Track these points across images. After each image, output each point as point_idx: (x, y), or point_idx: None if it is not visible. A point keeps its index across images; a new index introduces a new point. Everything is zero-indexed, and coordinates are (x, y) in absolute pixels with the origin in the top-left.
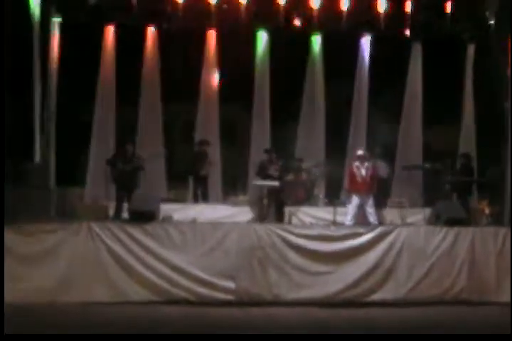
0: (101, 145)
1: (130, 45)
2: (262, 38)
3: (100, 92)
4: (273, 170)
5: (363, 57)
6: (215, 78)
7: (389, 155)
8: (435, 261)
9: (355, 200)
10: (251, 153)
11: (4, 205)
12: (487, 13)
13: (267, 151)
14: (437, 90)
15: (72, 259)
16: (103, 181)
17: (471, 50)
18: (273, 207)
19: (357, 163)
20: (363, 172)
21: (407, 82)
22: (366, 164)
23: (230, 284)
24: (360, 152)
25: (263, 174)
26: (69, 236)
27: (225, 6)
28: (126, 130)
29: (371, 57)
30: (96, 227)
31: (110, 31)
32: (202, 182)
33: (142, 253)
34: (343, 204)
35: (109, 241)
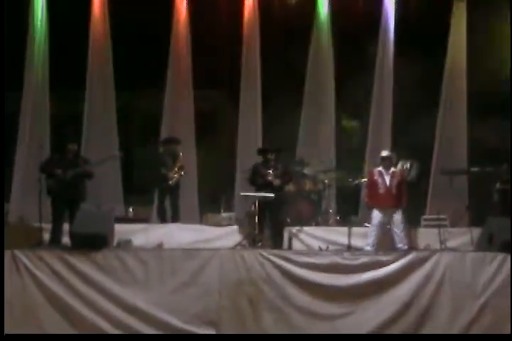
0: (31, 145)
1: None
2: None
3: (28, 73)
4: (272, 177)
5: (386, 21)
6: (187, 54)
7: (422, 155)
8: (488, 300)
9: (377, 217)
10: (237, 154)
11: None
12: None
13: (262, 152)
14: (488, 64)
15: None
16: (35, 194)
17: None
18: (268, 227)
19: (379, 168)
20: (387, 180)
21: (447, 53)
22: (392, 169)
23: (210, 332)
24: (384, 153)
25: (258, 181)
26: None
27: None
28: (67, 124)
29: (398, 20)
30: (23, 256)
31: None
32: (171, 193)
33: (89, 292)
34: (362, 222)
35: (41, 276)
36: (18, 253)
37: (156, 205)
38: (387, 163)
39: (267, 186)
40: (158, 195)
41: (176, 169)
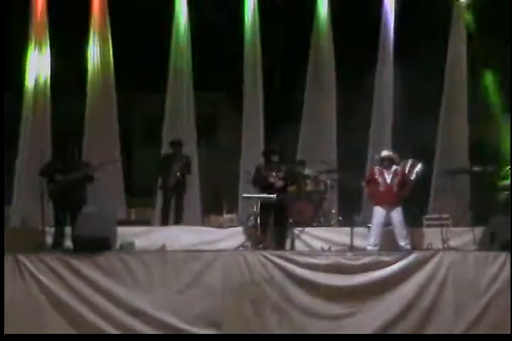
0: (32, 149)
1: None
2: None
3: (29, 78)
4: (275, 179)
5: (386, 22)
6: (187, 56)
7: (425, 156)
8: (491, 298)
9: (378, 216)
10: (241, 155)
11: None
12: None
13: (266, 153)
14: (489, 65)
15: None
16: (37, 197)
17: None
18: (270, 228)
19: (380, 167)
20: (388, 178)
21: (448, 54)
22: (393, 168)
23: (213, 333)
24: (384, 153)
25: (261, 183)
26: None
27: None
28: (68, 127)
29: (397, 21)
30: (26, 260)
31: None
32: (176, 196)
33: (92, 295)
34: (364, 222)
35: (44, 279)
36: (20, 256)
37: (159, 208)
38: (386, 163)
39: (269, 188)
40: (163, 198)
41: (176, 172)
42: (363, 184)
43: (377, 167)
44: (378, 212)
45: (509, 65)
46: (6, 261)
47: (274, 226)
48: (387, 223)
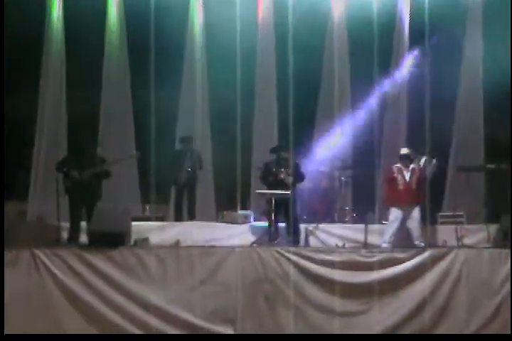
0: (49, 146)
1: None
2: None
3: (45, 73)
4: (285, 175)
5: (401, 26)
6: (202, 52)
7: (439, 152)
8: (505, 297)
9: (395, 215)
10: (253, 151)
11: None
12: None
13: (275, 150)
14: (504, 62)
15: (7, 299)
16: (53, 193)
17: None
18: (284, 225)
19: (398, 165)
20: (407, 176)
21: (463, 52)
22: (411, 166)
23: (228, 329)
24: (404, 151)
25: (270, 179)
26: (4, 267)
27: None
28: (84, 124)
29: (412, 24)
30: (42, 255)
31: None
32: (187, 192)
33: (106, 290)
34: (379, 220)
35: (60, 274)
36: (36, 251)
37: (173, 203)
38: (404, 160)
39: (279, 184)
40: (175, 194)
41: (187, 167)
42: (380, 184)
43: (395, 165)
44: (395, 210)
45: (509, 64)
46: (22, 255)
47: (287, 222)
48: (404, 220)
